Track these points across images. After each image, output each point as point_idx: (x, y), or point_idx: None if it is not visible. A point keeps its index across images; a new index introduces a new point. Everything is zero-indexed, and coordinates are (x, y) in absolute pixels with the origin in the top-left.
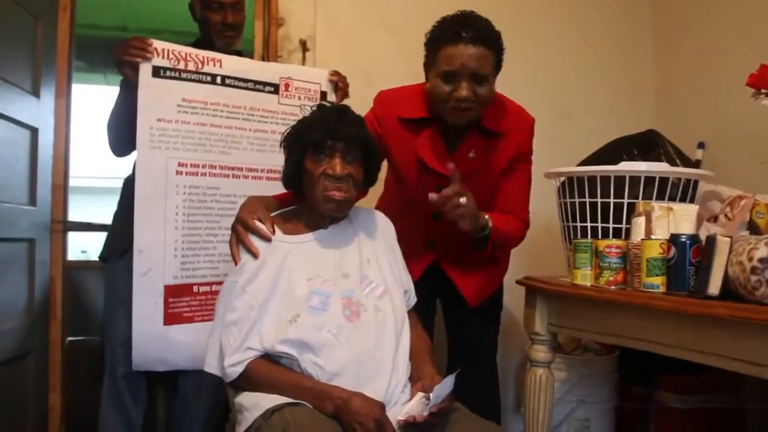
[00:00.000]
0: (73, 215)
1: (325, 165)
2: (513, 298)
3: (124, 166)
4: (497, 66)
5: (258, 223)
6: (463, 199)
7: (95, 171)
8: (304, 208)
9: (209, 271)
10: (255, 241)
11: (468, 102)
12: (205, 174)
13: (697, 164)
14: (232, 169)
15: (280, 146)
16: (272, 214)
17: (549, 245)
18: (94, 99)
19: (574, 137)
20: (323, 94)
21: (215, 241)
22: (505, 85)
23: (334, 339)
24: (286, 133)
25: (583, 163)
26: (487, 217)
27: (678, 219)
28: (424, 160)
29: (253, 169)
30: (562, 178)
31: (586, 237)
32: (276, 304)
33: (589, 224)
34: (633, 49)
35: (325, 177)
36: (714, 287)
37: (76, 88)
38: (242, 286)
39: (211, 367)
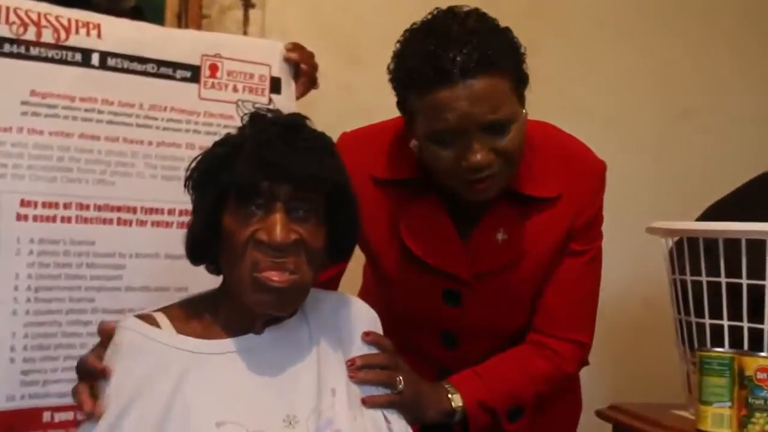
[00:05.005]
0: None
1: (257, 224)
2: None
3: None
4: (519, 86)
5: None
6: (399, 380)
7: None
8: (222, 297)
9: (71, 386)
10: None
11: (489, 168)
12: (70, 218)
13: None
14: (119, 210)
15: (185, 186)
16: (170, 304)
17: (650, 341)
18: None
19: (697, 152)
20: (275, 82)
21: (84, 333)
22: (590, 75)
23: None
24: (191, 167)
25: (716, 209)
26: (452, 394)
27: None
28: (412, 249)
29: (154, 210)
30: (677, 237)
31: (722, 345)
32: None
33: (726, 322)
34: None
35: (256, 245)
36: None
37: None
38: None
39: None
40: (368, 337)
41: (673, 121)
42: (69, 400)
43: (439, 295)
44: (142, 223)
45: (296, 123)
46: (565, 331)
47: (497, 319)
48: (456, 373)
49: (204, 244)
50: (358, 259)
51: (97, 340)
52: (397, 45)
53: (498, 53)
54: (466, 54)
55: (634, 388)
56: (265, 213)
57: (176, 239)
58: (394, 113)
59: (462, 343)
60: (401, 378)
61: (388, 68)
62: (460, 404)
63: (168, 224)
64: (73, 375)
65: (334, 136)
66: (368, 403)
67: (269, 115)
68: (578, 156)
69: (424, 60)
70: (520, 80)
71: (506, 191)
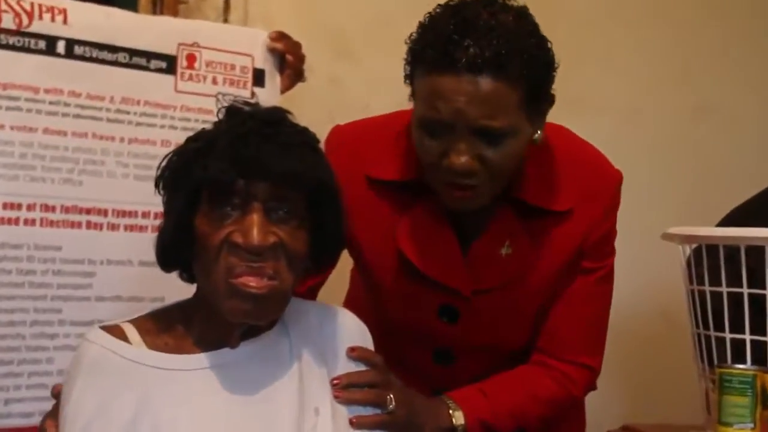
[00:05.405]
0: None
1: (233, 226)
2: None
3: None
4: (533, 101)
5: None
6: (389, 399)
7: None
8: (196, 306)
9: (37, 406)
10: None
11: (470, 176)
12: (34, 221)
13: None
14: (88, 212)
15: (156, 186)
16: (140, 315)
17: (665, 356)
18: None
19: (714, 151)
20: (258, 74)
21: (51, 347)
22: (598, 65)
23: None
24: (162, 165)
25: (738, 214)
26: (453, 411)
27: None
28: (409, 258)
29: (127, 213)
30: (695, 244)
31: (744, 361)
32: None
33: (748, 336)
34: None
35: (231, 249)
36: None
37: None
38: None
39: None
40: (353, 353)
41: (688, 118)
42: (33, 421)
43: (435, 310)
44: (113, 226)
45: (276, 117)
46: (574, 355)
47: (497, 337)
48: (457, 389)
49: (175, 248)
50: (343, 262)
51: (64, 354)
52: (426, 15)
53: (514, 58)
54: (480, 48)
55: (648, 408)
56: (241, 214)
57: (151, 245)
58: (388, 109)
59: (457, 361)
60: (392, 396)
61: (409, 36)
62: (462, 422)
63: (142, 228)
64: (39, 393)
65: (322, 134)
66: (356, 424)
67: (246, 108)
68: (593, 166)
69: (439, 39)
70: (535, 96)
71: (513, 199)
